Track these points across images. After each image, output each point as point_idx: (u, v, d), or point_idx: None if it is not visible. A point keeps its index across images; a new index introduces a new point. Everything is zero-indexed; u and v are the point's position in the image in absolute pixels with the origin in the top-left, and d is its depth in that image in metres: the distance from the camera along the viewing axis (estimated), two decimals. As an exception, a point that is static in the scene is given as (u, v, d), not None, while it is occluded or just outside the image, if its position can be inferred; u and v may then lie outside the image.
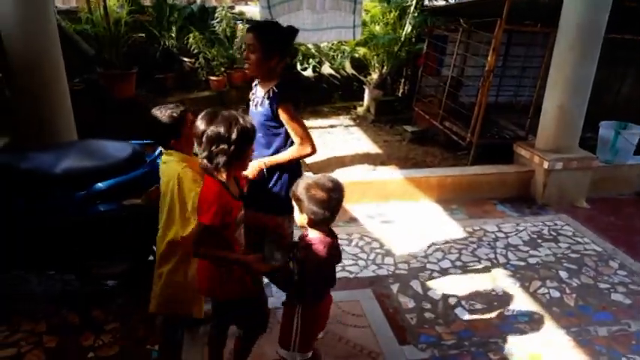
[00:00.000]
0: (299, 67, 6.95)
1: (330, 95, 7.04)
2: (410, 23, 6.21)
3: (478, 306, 3.01)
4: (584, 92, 4.24)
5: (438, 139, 5.44)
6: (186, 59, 6.10)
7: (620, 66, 5.60)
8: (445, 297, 3.07)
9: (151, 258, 2.98)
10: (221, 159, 1.78)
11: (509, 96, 6.15)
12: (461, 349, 2.65)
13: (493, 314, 2.94)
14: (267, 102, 2.39)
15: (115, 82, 5.23)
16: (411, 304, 2.99)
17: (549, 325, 2.87)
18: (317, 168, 4.49)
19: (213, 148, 1.77)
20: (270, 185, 2.46)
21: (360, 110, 6.69)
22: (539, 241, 3.82)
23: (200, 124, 1.82)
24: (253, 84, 2.58)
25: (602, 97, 5.12)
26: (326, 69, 7.18)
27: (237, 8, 6.50)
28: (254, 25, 2.46)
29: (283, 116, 2.36)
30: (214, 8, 6.32)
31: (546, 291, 3.19)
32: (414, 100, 6.00)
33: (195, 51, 5.76)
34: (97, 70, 5.17)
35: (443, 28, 5.70)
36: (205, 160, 1.81)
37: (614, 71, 5.55)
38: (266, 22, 2.63)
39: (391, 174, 4.52)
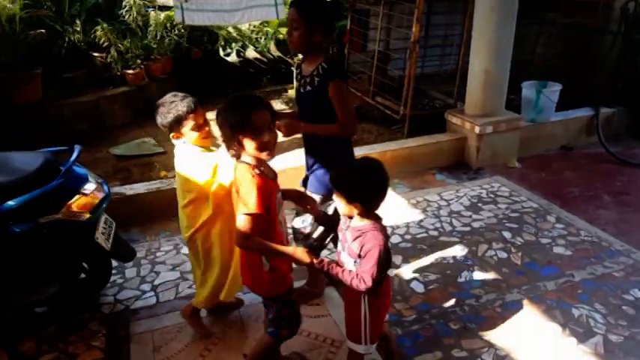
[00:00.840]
0: (221, 52, 6.64)
1: (258, 80, 6.81)
2: (330, -1, 6.09)
3: (432, 277, 3.02)
4: (506, 54, 4.35)
5: (372, 115, 5.41)
6: (96, 54, 5.60)
7: (533, 26, 5.82)
8: (399, 272, 3.05)
9: (82, 276, 2.74)
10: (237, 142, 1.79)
11: (434, 65, 6.23)
12: (422, 324, 2.63)
13: (447, 283, 2.96)
14: (316, 79, 2.29)
15: (15, 86, 4.70)
16: (367, 285, 2.94)
17: (502, 286, 2.93)
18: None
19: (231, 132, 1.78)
20: (315, 166, 2.47)
21: (292, 93, 6.52)
22: (480, 204, 3.91)
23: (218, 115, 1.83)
24: (295, 63, 2.52)
25: (519, 58, 5.29)
26: (251, 53, 6.93)
27: (147, -5, 6.04)
28: (296, 0, 2.34)
29: (333, 92, 2.26)
30: (122, -4, 5.85)
31: (494, 253, 3.26)
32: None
33: (106, 44, 5.30)
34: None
35: (364, 1, 5.63)
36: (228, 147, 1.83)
37: (528, 32, 5.76)
38: None
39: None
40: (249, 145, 1.79)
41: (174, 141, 2.30)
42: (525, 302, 2.78)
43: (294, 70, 6.56)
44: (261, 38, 6.71)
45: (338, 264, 1.90)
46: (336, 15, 2.42)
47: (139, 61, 5.55)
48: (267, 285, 1.98)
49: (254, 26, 6.63)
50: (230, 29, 6.52)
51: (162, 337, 2.56)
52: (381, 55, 5.39)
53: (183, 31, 5.94)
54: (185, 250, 3.29)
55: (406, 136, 4.76)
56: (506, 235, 3.47)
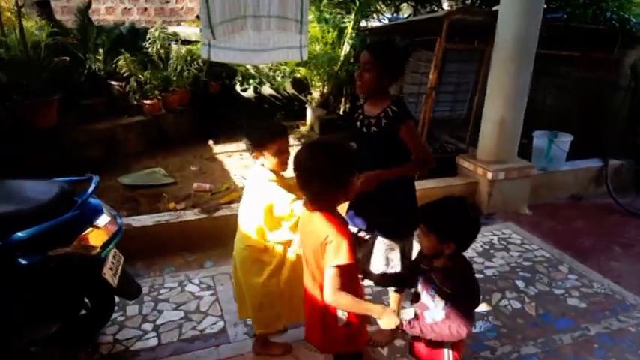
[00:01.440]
0: (238, 87, 6.78)
1: (272, 115, 6.92)
2: (348, 43, 6.27)
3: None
4: (521, 103, 4.43)
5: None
6: (114, 83, 5.73)
7: (545, 79, 5.95)
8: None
9: (83, 312, 2.63)
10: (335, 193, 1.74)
11: (444, 111, 6.31)
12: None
13: (461, 331, 2.91)
14: (384, 122, 2.33)
15: (34, 111, 4.77)
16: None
17: (517, 338, 2.88)
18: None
19: (314, 181, 1.72)
20: (387, 207, 2.43)
21: (304, 129, 6.62)
22: (492, 251, 3.89)
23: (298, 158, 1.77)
24: (358, 104, 2.56)
25: (531, 108, 5.38)
26: (266, 89, 7.07)
27: (170, 29, 6.22)
28: (371, 44, 2.44)
29: (406, 134, 2.31)
30: (145, 30, 6.03)
31: (507, 302, 3.22)
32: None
33: (127, 74, 5.43)
34: (13, 98, 4.70)
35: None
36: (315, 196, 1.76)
37: (540, 84, 5.88)
38: (382, 41, 2.51)
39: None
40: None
41: (253, 161, 2.37)
42: (541, 356, 2.73)
43: (308, 107, 6.71)
44: (277, 76, 6.85)
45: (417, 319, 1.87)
46: (406, 60, 2.49)
47: (157, 92, 5.68)
48: (344, 340, 1.87)
49: (272, 65, 6.79)
50: (248, 66, 6.67)
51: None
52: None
53: (202, 65, 6.09)
54: (190, 287, 3.23)
55: (419, 178, 4.78)
56: (519, 283, 3.44)
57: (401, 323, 1.79)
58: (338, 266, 1.69)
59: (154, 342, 2.73)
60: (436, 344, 1.89)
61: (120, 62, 5.34)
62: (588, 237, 4.20)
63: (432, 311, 1.86)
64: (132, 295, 2.74)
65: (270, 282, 2.40)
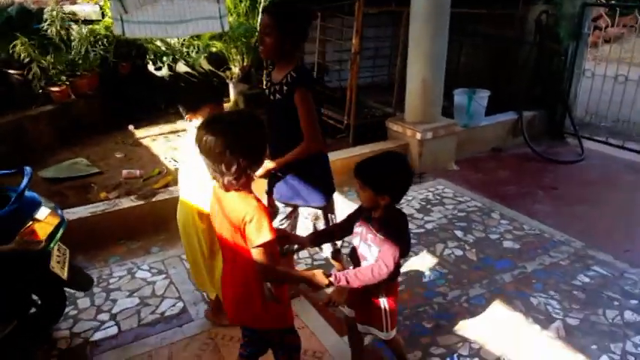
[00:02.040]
0: (151, 67, 6.39)
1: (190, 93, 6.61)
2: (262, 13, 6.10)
3: (399, 278, 3.07)
4: (441, 63, 4.60)
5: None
6: (12, 71, 5.16)
7: (456, 38, 6.21)
8: (367, 278, 3.08)
9: (32, 310, 2.48)
10: (242, 170, 1.60)
11: (367, 77, 6.44)
12: (397, 325, 2.66)
13: (414, 284, 3.04)
14: (284, 88, 2.25)
15: None
16: (338, 293, 2.94)
17: (464, 282, 3.06)
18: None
19: (233, 157, 1.57)
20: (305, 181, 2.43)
21: (228, 106, 6.41)
22: (429, 206, 4.07)
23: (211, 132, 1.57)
24: (265, 72, 2.44)
25: (446, 68, 5.62)
26: (181, 67, 6.71)
27: (66, 8, 5.67)
28: (268, 7, 2.37)
29: (297, 102, 2.24)
30: (38, 10, 5.44)
31: (450, 251, 3.40)
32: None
33: (27, 60, 4.89)
34: None
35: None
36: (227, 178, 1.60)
37: (452, 43, 6.13)
38: (281, 3, 2.36)
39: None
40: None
41: (187, 123, 2.28)
42: (488, 295, 2.93)
43: (229, 83, 6.49)
44: (192, 52, 6.53)
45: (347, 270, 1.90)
46: (308, 23, 2.40)
47: (63, 78, 5.20)
48: (278, 317, 1.85)
49: (184, 40, 6.45)
50: (159, 43, 6.29)
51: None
52: (320, 67, 5.47)
53: (108, 45, 5.65)
54: (141, 274, 3.13)
55: (352, 144, 4.85)
56: (459, 233, 3.64)
57: (335, 279, 1.83)
58: (263, 244, 1.62)
59: (113, 330, 2.62)
60: (370, 294, 1.96)
61: (17, 47, 4.79)
62: (513, 184, 4.52)
63: (369, 262, 1.92)
64: (84, 287, 2.64)
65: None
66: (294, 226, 2.62)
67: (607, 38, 7.45)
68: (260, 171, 2.06)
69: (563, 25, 5.35)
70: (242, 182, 1.63)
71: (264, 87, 2.50)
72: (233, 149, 1.55)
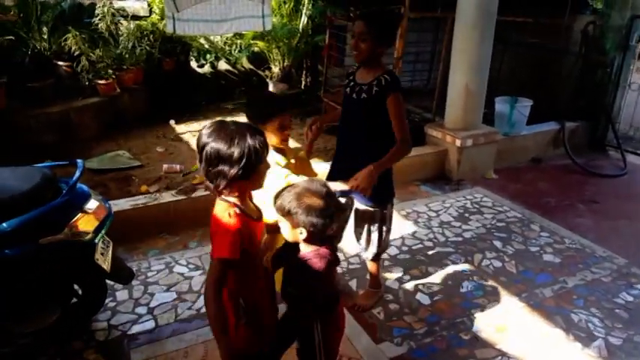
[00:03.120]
0: (194, 64, 6.52)
1: (230, 92, 6.72)
2: (305, 15, 6.15)
3: (435, 288, 3.06)
4: (485, 70, 4.54)
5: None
6: (62, 63, 5.35)
7: (499, 46, 6.12)
8: (402, 284, 3.08)
9: (74, 300, 2.54)
10: (222, 181, 1.55)
11: (406, 81, 6.39)
12: (434, 336, 2.65)
13: (451, 294, 3.01)
14: (375, 89, 2.34)
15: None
16: (374, 298, 2.94)
17: (502, 294, 3.01)
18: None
19: (211, 168, 1.55)
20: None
21: (266, 105, 6.48)
22: (467, 215, 4.02)
23: (203, 135, 1.57)
24: (349, 72, 2.57)
25: (489, 75, 5.54)
26: (222, 65, 6.84)
27: (116, 4, 5.84)
28: (365, 13, 2.42)
29: (392, 104, 2.33)
30: (90, 5, 5.63)
31: (489, 262, 3.36)
32: (322, 92, 5.95)
33: (77, 53, 5.07)
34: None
35: (342, 17, 5.72)
36: (207, 180, 1.58)
37: (496, 50, 6.05)
38: (375, 10, 2.46)
39: (319, 167, 4.42)
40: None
41: None
42: (528, 310, 2.87)
43: (269, 82, 6.55)
44: (234, 50, 6.64)
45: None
46: (397, 26, 2.51)
47: (110, 72, 5.36)
48: (245, 339, 1.72)
49: (227, 38, 6.56)
50: (202, 40, 6.42)
51: (168, 362, 2.44)
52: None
53: (153, 41, 5.80)
54: (178, 269, 3.18)
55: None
56: (497, 244, 3.58)
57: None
58: (216, 259, 1.56)
59: (150, 325, 2.66)
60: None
61: (69, 40, 4.97)
62: (553, 196, 4.42)
63: None
64: (125, 280, 2.67)
65: None
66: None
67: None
68: (361, 181, 2.20)
69: (610, 37, 5.21)
70: (229, 192, 1.61)
71: (345, 85, 2.54)
72: (225, 160, 1.54)
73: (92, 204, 2.38)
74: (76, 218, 2.26)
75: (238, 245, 1.56)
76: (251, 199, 1.75)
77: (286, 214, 1.65)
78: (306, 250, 1.70)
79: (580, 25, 5.39)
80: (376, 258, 2.80)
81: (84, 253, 2.32)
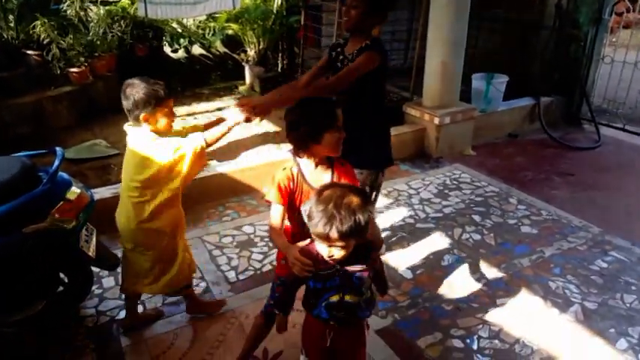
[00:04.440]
0: (168, 49, 6.40)
1: (206, 77, 6.64)
2: (280, -5, 6.08)
3: (417, 262, 3.12)
4: (461, 47, 4.56)
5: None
6: (31, 52, 5.20)
7: (474, 21, 6.15)
8: (386, 260, 3.12)
9: (60, 289, 2.54)
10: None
11: (383, 60, 6.40)
12: (417, 308, 2.72)
13: (433, 267, 3.07)
14: (356, 55, 2.34)
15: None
16: (358, 274, 2.98)
17: (483, 266, 3.09)
18: (220, 153, 4.20)
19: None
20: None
21: (243, 89, 6.43)
22: (446, 191, 4.08)
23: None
24: (335, 43, 2.55)
25: (465, 51, 5.58)
26: (197, 49, 6.73)
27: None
28: None
29: (360, 57, 2.30)
30: (58, -10, 5.46)
31: (468, 236, 3.43)
32: (299, 73, 5.91)
33: (46, 41, 4.93)
34: None
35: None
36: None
37: (471, 26, 6.08)
38: None
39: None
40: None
41: (129, 128, 2.24)
42: (507, 279, 2.96)
43: (245, 66, 6.48)
44: (207, 34, 6.53)
45: None
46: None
47: (82, 59, 5.23)
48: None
49: (200, 22, 6.45)
50: (175, 25, 6.29)
51: (158, 346, 2.45)
52: (337, 49, 5.44)
53: (125, 27, 5.67)
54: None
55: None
56: (476, 218, 3.66)
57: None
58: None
59: (138, 309, 2.64)
60: None
61: (37, 28, 4.82)
62: (529, 170, 4.51)
63: None
64: (111, 266, 2.66)
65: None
66: None
67: (626, 24, 7.32)
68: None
69: (584, 11, 5.28)
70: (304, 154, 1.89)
71: (334, 59, 2.51)
72: (294, 126, 1.85)
73: (74, 191, 2.34)
74: (58, 206, 2.22)
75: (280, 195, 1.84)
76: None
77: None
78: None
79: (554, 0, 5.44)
80: None
81: (68, 240, 2.30)
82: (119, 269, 2.89)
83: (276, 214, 1.85)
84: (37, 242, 2.15)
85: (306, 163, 1.86)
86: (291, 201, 1.87)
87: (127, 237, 2.34)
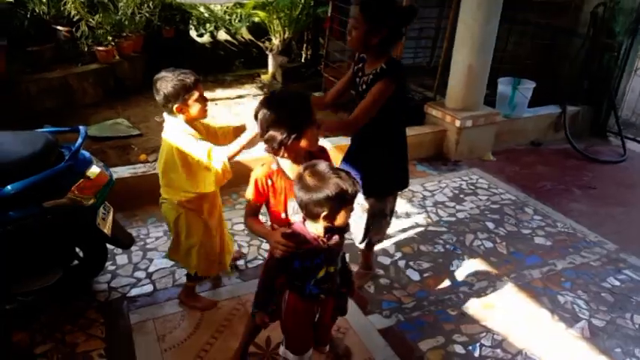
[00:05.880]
0: (193, 33, 6.44)
1: (230, 63, 6.67)
2: (309, -15, 6.06)
3: (426, 265, 3.11)
4: (489, 50, 4.49)
5: (353, 106, 5.41)
6: (61, 28, 5.29)
7: (505, 25, 6.03)
8: (394, 261, 3.12)
9: (75, 262, 2.62)
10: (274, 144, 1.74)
11: (408, 58, 6.32)
12: (422, 310, 2.72)
13: (441, 271, 3.06)
14: (371, 78, 2.27)
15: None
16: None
17: (492, 274, 3.06)
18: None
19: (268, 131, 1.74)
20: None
21: (265, 78, 6.44)
22: (462, 195, 4.04)
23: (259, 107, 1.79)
24: (360, 57, 2.45)
25: (493, 54, 5.48)
26: (222, 35, 6.76)
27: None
28: (364, 0, 2.28)
29: (375, 86, 2.23)
30: (90, -32, 5.53)
31: (480, 243, 3.40)
32: (323, 66, 5.90)
33: (76, 18, 5.00)
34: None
35: (346, -10, 5.61)
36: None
37: (501, 29, 5.97)
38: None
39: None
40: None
41: (168, 116, 2.26)
42: (515, 290, 2.93)
43: (269, 54, 6.49)
44: (234, 20, 6.55)
45: None
46: (408, 22, 2.38)
47: (109, 38, 5.30)
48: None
49: (227, 7, 6.47)
50: (202, 9, 6.33)
51: (165, 325, 2.50)
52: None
53: (153, 8, 5.72)
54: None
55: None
56: (490, 225, 3.62)
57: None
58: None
59: (149, 288, 2.73)
60: None
61: (69, 4, 4.90)
62: (549, 180, 4.43)
63: None
64: (125, 244, 2.74)
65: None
66: None
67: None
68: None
69: (620, 20, 5.13)
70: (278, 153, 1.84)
71: (354, 76, 2.46)
72: (273, 122, 1.76)
73: (94, 170, 2.41)
74: (78, 183, 2.30)
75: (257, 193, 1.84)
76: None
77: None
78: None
79: (590, 6, 5.29)
80: (368, 248, 2.81)
81: (86, 217, 2.37)
82: (133, 247, 2.99)
83: (252, 211, 1.89)
84: (55, 217, 2.22)
85: (286, 160, 1.83)
86: (269, 198, 1.87)
87: None
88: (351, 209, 1.68)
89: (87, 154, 2.44)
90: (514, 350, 2.48)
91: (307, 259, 1.73)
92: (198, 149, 2.17)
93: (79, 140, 2.30)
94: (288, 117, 1.73)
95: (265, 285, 1.86)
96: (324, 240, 1.70)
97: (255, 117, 1.81)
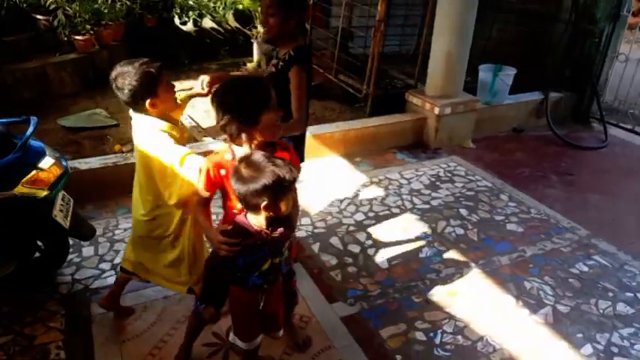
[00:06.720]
0: (177, 20, 6.38)
1: (215, 51, 6.61)
2: (292, -29, 5.97)
3: (395, 253, 3.11)
4: (468, 37, 4.45)
5: (334, 93, 5.40)
6: (39, 17, 5.24)
7: (490, 12, 5.98)
8: (364, 249, 3.12)
9: (37, 255, 2.61)
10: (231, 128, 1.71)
11: (394, 45, 6.28)
12: (387, 297, 2.72)
13: (410, 259, 3.06)
14: (281, 64, 2.32)
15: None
16: (333, 261, 2.99)
17: (460, 261, 3.07)
18: (215, 132, 4.21)
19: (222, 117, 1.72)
20: None
21: (251, 66, 6.40)
22: (438, 183, 4.03)
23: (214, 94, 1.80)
24: (254, 35, 2.50)
25: (475, 42, 5.44)
26: (207, 22, 6.69)
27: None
28: None
29: (292, 78, 2.29)
30: (67, -45, 5.46)
31: (452, 230, 3.40)
32: (305, 53, 5.84)
33: (53, 6, 4.95)
34: None
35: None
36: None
37: (484, 17, 5.91)
38: None
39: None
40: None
41: (138, 116, 2.01)
42: (482, 276, 2.93)
43: (254, 42, 6.44)
44: (219, 8, 6.48)
45: None
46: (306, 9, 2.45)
47: (88, 27, 5.26)
48: None
49: (211, -5, 6.41)
50: (186, -4, 6.27)
51: (125, 317, 2.50)
52: (345, 32, 5.36)
53: (135, -4, 5.66)
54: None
55: (368, 114, 4.80)
56: (463, 212, 3.61)
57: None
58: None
59: (112, 280, 2.71)
60: None
61: (45, -7, 4.85)
62: (528, 167, 4.42)
63: None
64: (86, 237, 2.72)
65: None
66: None
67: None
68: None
69: (601, 6, 5.08)
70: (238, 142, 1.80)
71: (272, 55, 2.51)
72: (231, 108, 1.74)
73: (47, 161, 2.39)
74: (30, 175, 2.28)
75: (209, 184, 1.81)
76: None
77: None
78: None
79: (571, -7, 5.25)
80: None
81: (39, 209, 2.36)
82: (100, 239, 2.98)
83: (202, 201, 1.87)
84: (5, 209, 2.20)
85: (245, 150, 1.76)
86: (222, 188, 1.84)
87: None
88: (293, 197, 1.68)
89: (41, 145, 2.42)
90: (475, 337, 2.49)
91: (251, 254, 1.73)
92: (171, 153, 1.94)
93: (29, 130, 2.28)
94: (243, 100, 1.72)
95: (210, 282, 1.86)
96: (268, 232, 1.68)
97: (212, 103, 1.79)
